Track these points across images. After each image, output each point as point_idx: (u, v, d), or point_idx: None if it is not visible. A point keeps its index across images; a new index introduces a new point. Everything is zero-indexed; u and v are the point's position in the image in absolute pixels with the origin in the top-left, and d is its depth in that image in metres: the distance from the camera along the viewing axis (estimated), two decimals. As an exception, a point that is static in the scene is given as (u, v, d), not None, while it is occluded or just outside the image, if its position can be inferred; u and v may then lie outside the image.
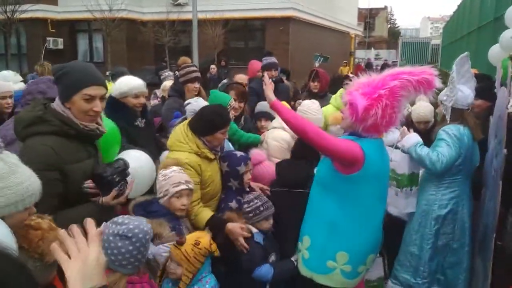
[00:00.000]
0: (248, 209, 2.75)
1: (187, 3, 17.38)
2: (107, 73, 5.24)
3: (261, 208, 2.75)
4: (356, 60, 31.25)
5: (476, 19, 11.59)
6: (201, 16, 15.36)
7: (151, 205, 2.52)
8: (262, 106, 3.99)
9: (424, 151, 3.05)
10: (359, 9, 34.82)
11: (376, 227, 2.52)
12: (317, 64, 5.25)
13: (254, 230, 2.73)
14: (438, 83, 2.32)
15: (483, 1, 10.83)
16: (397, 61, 33.21)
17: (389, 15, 61.93)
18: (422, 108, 4.34)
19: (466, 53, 3.12)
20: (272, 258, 2.78)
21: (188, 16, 15.68)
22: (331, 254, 2.47)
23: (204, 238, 2.27)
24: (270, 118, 3.90)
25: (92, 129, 2.10)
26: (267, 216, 2.76)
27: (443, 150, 2.98)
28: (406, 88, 2.28)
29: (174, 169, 2.55)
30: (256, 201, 2.78)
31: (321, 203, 2.50)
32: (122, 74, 4.80)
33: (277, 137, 3.47)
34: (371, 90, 2.29)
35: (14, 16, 15.49)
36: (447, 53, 21.65)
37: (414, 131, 4.25)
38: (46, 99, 2.16)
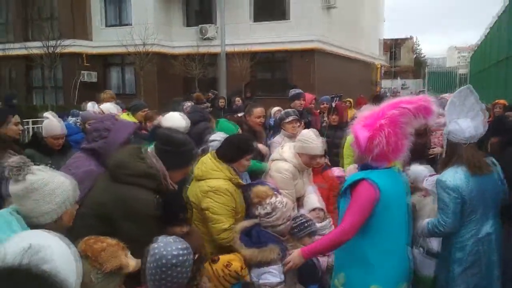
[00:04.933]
0: (294, 225, 2.94)
1: (215, 37, 17.96)
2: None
3: (306, 225, 2.95)
4: (382, 90, 31.19)
5: (505, 49, 11.55)
6: (229, 49, 15.84)
7: (254, 235, 2.65)
8: None
9: (428, 226, 3.01)
10: (384, 39, 35.03)
11: (402, 254, 2.60)
12: (333, 104, 5.51)
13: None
14: (435, 108, 2.41)
15: (510, 31, 10.82)
16: (424, 90, 32.97)
17: (415, 45, 61.88)
18: None
19: (467, 85, 3.13)
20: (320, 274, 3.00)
21: (217, 49, 16.21)
22: None
23: (237, 262, 2.40)
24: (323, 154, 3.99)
25: (173, 189, 2.44)
26: (310, 233, 2.95)
27: (440, 217, 2.91)
28: (405, 115, 2.39)
29: (283, 193, 2.76)
30: (300, 218, 3.00)
31: (350, 240, 2.55)
32: (141, 106, 5.96)
33: (280, 169, 3.58)
34: (372, 121, 2.43)
35: (56, 51, 16.39)
36: (475, 83, 21.44)
37: None
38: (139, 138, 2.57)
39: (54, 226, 1.67)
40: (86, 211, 2.22)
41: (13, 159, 1.69)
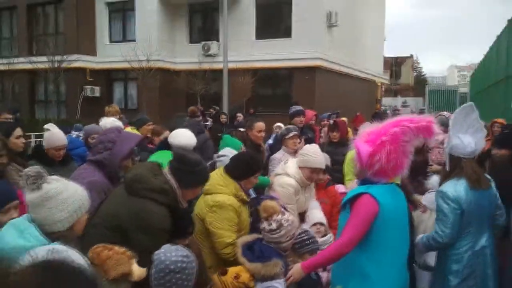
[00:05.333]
0: (296, 241, 2.96)
1: (217, 53, 18.17)
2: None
3: (307, 242, 2.97)
4: (382, 107, 31.36)
5: (503, 69, 11.69)
6: (231, 65, 16.02)
7: (256, 249, 2.69)
8: None
9: (424, 239, 3.09)
10: (384, 57, 35.35)
11: (402, 267, 2.64)
12: (331, 121, 5.61)
13: None
14: (437, 129, 2.49)
15: (509, 52, 10.96)
16: (424, 108, 33.13)
17: (415, 63, 62.38)
18: None
19: (469, 103, 3.22)
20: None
21: (219, 66, 16.39)
22: None
23: (245, 273, 2.46)
24: (327, 170, 4.06)
25: (183, 206, 2.53)
26: (311, 250, 2.96)
27: (438, 228, 2.99)
28: (406, 134, 2.45)
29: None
30: (303, 235, 3.02)
31: (348, 253, 2.60)
32: (145, 120, 5.98)
33: (283, 184, 3.65)
34: (374, 138, 2.50)
35: (61, 66, 16.59)
36: (476, 102, 21.53)
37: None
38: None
39: (66, 234, 1.73)
40: (99, 221, 2.29)
41: (29, 169, 1.76)
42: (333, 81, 19.09)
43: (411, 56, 60.92)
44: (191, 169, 2.48)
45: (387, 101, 40.98)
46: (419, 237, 3.18)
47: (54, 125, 4.14)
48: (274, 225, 2.65)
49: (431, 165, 4.88)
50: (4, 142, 3.19)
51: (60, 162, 3.94)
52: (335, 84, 19.31)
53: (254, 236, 2.81)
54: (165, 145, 3.99)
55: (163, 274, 1.92)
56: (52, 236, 1.68)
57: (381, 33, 29.12)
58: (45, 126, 4.07)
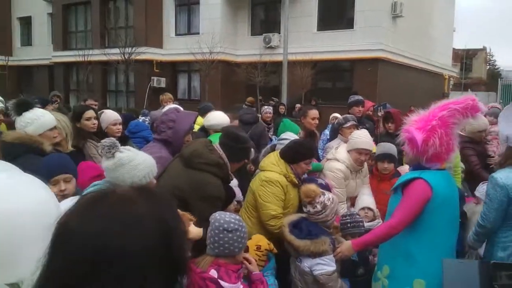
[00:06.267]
0: (339, 223, 3.14)
1: (278, 45, 18.30)
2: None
3: (349, 225, 3.14)
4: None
5: None
6: (291, 58, 16.10)
7: (304, 228, 2.85)
8: (385, 148, 4.04)
9: (473, 228, 3.08)
10: (454, 49, 33.56)
11: (448, 252, 2.66)
12: (380, 114, 5.51)
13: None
14: (482, 106, 2.55)
15: None
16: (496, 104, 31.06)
17: (489, 56, 58.59)
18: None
19: None
20: (360, 270, 3.13)
21: (279, 58, 16.52)
22: (409, 282, 2.63)
23: (262, 240, 2.65)
24: (393, 160, 4.00)
25: (232, 179, 2.82)
26: (352, 233, 3.10)
27: (482, 212, 2.95)
28: (455, 115, 2.51)
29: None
30: (347, 218, 3.20)
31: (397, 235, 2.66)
32: (209, 108, 6.11)
33: (332, 168, 3.80)
34: (424, 124, 2.55)
35: (131, 58, 17.61)
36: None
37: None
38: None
39: None
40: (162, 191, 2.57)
41: (105, 140, 2.05)
42: (396, 74, 18.54)
43: (484, 49, 57.25)
44: (242, 146, 2.75)
45: (455, 96, 38.92)
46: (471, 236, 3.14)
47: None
48: (319, 207, 2.79)
49: (493, 157, 4.73)
50: (65, 125, 3.42)
51: (119, 140, 4.28)
52: (399, 76, 18.74)
53: (299, 215, 2.96)
54: (203, 130, 4.43)
55: (217, 231, 2.12)
56: None
57: (450, 23, 27.67)
58: (99, 112, 4.46)
